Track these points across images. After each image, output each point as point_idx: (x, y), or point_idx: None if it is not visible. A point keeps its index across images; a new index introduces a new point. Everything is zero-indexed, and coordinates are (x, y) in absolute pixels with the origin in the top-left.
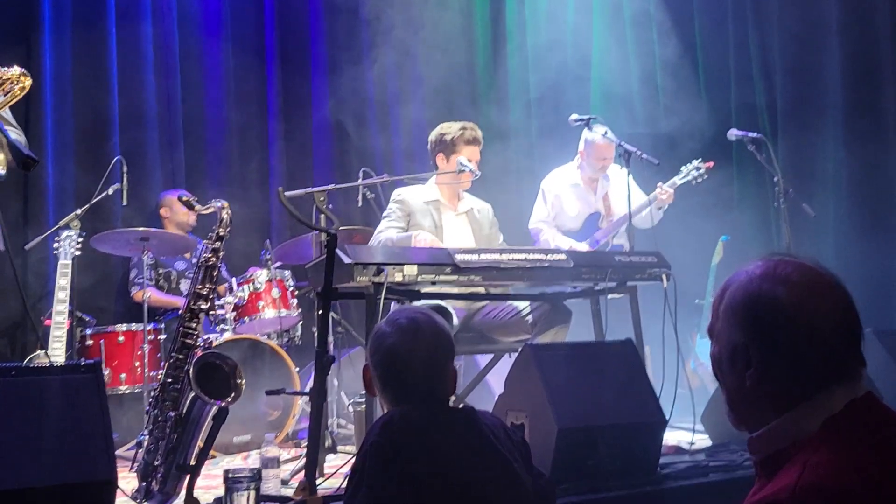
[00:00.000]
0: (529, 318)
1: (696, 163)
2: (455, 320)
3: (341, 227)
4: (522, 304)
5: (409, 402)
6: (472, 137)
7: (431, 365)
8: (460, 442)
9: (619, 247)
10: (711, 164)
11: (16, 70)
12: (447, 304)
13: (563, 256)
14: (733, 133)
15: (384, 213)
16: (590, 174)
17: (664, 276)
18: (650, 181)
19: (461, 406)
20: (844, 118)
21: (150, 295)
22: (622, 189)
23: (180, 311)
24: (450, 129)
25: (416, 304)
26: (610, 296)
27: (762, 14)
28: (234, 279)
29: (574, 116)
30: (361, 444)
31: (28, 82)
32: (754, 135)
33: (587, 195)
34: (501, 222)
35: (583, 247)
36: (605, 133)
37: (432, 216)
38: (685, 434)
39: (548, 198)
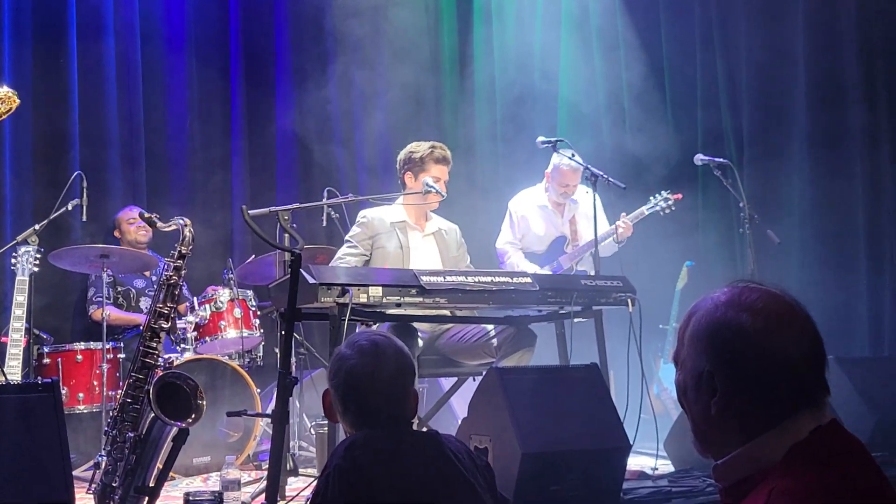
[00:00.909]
0: (494, 341)
1: (664, 194)
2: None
3: (305, 247)
4: (487, 328)
5: (371, 426)
6: (441, 156)
7: (393, 387)
8: (424, 465)
9: (584, 272)
10: (680, 196)
11: (6, 90)
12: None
13: (528, 280)
14: (700, 158)
15: (347, 236)
16: (554, 198)
17: (630, 301)
18: (617, 204)
19: (425, 429)
20: (809, 146)
21: (110, 313)
22: (589, 212)
23: (141, 329)
24: (419, 147)
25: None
26: (575, 320)
27: (729, 41)
28: (195, 298)
29: (541, 138)
30: (324, 467)
31: (16, 103)
32: (720, 160)
33: (554, 217)
34: (466, 242)
35: (546, 272)
36: (573, 156)
37: (398, 237)
38: (648, 459)
39: (514, 219)
